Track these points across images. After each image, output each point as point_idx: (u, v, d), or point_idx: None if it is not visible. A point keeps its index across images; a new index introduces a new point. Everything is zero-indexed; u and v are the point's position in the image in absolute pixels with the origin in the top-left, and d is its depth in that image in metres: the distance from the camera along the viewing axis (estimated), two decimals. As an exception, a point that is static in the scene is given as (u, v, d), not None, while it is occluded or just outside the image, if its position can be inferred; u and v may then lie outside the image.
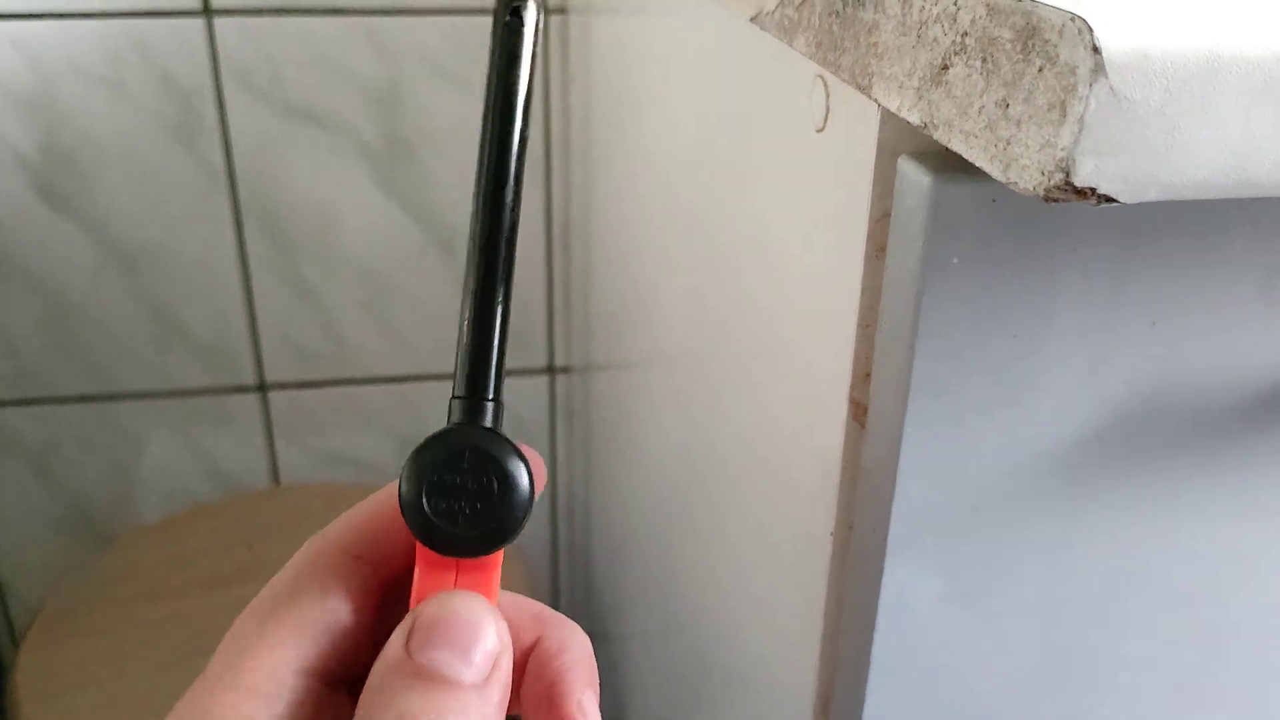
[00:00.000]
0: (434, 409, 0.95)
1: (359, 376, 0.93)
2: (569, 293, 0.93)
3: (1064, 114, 0.19)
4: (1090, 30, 0.19)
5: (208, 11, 0.79)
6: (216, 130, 0.83)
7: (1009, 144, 0.21)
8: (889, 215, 0.29)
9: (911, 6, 0.25)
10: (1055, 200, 0.20)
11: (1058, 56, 0.20)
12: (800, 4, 0.33)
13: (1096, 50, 0.19)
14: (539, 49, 0.26)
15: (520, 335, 0.94)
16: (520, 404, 0.97)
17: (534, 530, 1.04)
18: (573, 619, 0.27)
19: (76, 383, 0.89)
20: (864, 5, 0.28)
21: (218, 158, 0.84)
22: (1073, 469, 0.29)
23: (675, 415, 0.58)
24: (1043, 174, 0.20)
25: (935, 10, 0.24)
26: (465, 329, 0.25)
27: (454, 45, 0.83)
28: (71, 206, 0.83)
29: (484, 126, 0.25)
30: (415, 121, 0.85)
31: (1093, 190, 0.20)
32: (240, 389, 0.92)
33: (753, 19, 0.37)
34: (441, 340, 0.93)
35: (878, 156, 0.29)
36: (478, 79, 0.85)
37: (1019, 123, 0.21)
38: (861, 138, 0.29)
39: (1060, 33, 0.19)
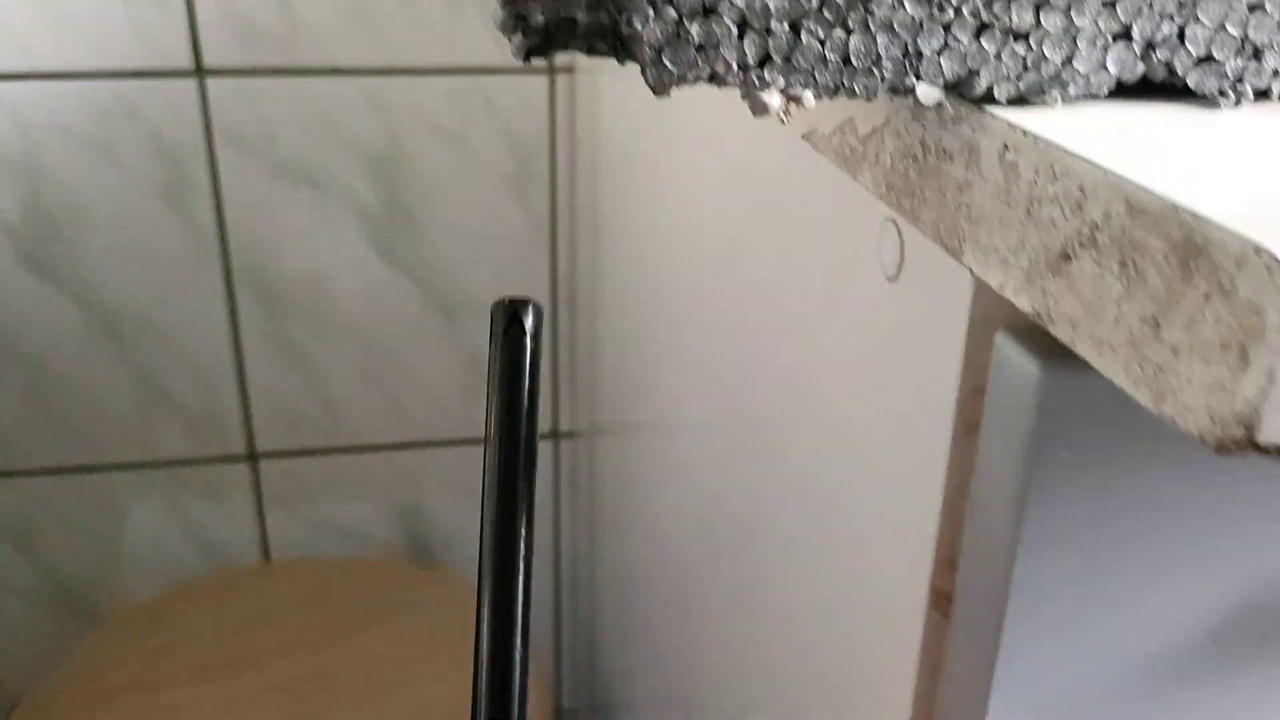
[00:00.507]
0: (429, 477, 0.92)
1: (352, 444, 0.90)
2: (575, 358, 0.90)
3: (1245, 360, 0.17)
4: (1285, 271, 0.16)
5: (200, 72, 0.76)
6: (208, 192, 0.79)
7: (1161, 370, 0.18)
8: (983, 391, 0.26)
9: (1018, 176, 0.22)
10: (1228, 453, 0.17)
11: (1235, 290, 0.17)
12: (866, 136, 0.30)
13: (1294, 296, 0.16)
14: (540, 356, 0.24)
15: (521, 400, 0.91)
16: (521, 470, 0.94)
17: (535, 596, 1.00)
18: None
19: (59, 453, 0.85)
20: (951, 158, 0.25)
21: (209, 220, 0.80)
22: (1187, 673, 0.26)
23: (696, 489, 0.55)
24: (1214, 421, 0.17)
25: (1051, 190, 0.21)
26: (482, 664, 0.23)
27: (453, 106, 0.80)
28: (55, 272, 0.79)
29: (488, 444, 0.23)
30: (413, 183, 0.82)
31: (1278, 448, 0.17)
32: (230, 458, 0.88)
33: (804, 136, 0.34)
34: (438, 406, 0.90)
35: (970, 328, 0.26)
36: (477, 139, 0.82)
37: (1176, 350, 0.18)
38: (949, 301, 0.27)
39: (1239, 263, 0.17)
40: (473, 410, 0.91)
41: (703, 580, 0.56)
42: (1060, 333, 0.21)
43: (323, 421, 0.88)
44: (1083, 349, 0.21)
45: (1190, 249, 0.18)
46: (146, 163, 0.78)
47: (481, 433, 0.91)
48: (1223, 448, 0.17)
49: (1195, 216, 0.18)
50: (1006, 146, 0.23)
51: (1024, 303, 0.22)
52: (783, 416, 0.40)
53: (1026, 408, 0.24)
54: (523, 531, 0.23)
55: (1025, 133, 0.22)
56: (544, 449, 0.94)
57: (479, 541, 0.23)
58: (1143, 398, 0.19)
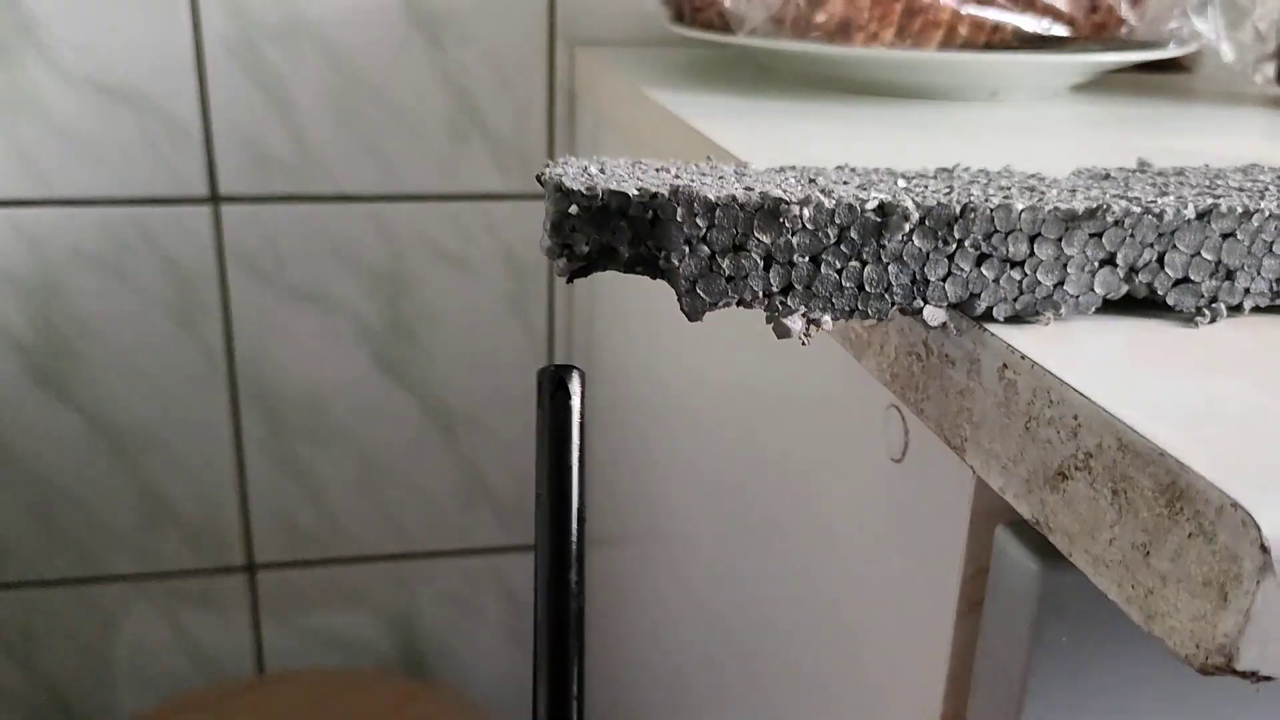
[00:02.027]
0: (424, 588, 0.93)
1: (349, 555, 0.91)
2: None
3: (1225, 599, 0.19)
4: (1257, 527, 0.18)
5: (215, 199, 0.78)
6: (218, 313, 0.82)
7: (1150, 594, 0.21)
8: (984, 572, 0.28)
9: (1016, 394, 0.25)
10: (1211, 674, 0.19)
11: (1215, 535, 0.19)
12: (870, 325, 0.32)
13: (1265, 549, 0.18)
14: (586, 420, 0.25)
15: (520, 511, 0.93)
16: (519, 580, 0.95)
17: (527, 708, 1.01)
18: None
19: (59, 565, 0.86)
20: (953, 364, 0.28)
21: (217, 339, 0.82)
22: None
23: (706, 654, 0.57)
24: (1198, 647, 0.19)
25: (1047, 413, 0.24)
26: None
27: (457, 230, 0.83)
28: (64, 389, 0.81)
29: (539, 511, 0.24)
30: (416, 302, 0.85)
31: (1254, 673, 0.19)
32: (228, 569, 0.89)
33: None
34: (434, 519, 0.91)
35: (972, 519, 0.28)
36: (478, 261, 0.85)
37: (1164, 578, 0.20)
38: (952, 490, 0.29)
39: (1218, 513, 0.19)
40: (469, 522, 0.92)
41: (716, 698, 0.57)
42: (1058, 542, 0.23)
43: (321, 533, 0.90)
44: (1079, 561, 0.23)
45: (1175, 492, 0.20)
46: (158, 284, 0.80)
47: (477, 544, 0.93)
48: (1205, 670, 0.19)
49: (1180, 464, 0.20)
50: (1005, 365, 0.25)
51: (1024, 509, 0.25)
52: (788, 588, 0.42)
53: (1027, 598, 0.26)
54: (574, 590, 0.24)
55: (1024, 356, 0.25)
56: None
57: (534, 599, 0.24)
58: (1135, 616, 0.21)
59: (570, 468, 0.25)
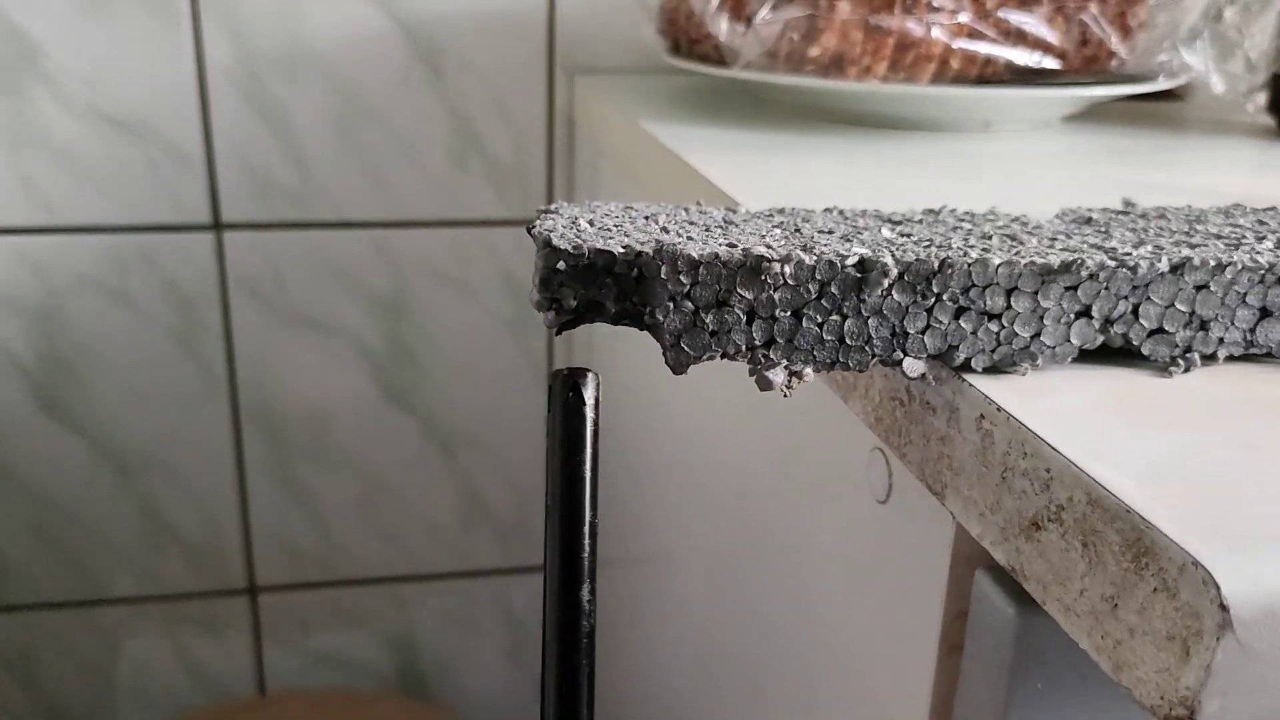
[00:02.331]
0: (424, 609, 0.94)
1: (350, 577, 0.92)
2: (567, 493, 0.93)
3: (1187, 653, 0.19)
4: (1217, 586, 0.19)
5: (218, 226, 0.79)
6: (220, 337, 0.82)
7: (1119, 645, 0.21)
8: (964, 616, 0.29)
9: (993, 444, 0.25)
10: (1175, 727, 0.20)
11: (1178, 592, 0.20)
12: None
13: (1224, 608, 0.19)
14: (599, 425, 0.24)
15: (519, 533, 0.94)
16: (518, 601, 0.96)
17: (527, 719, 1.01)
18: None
19: (62, 587, 0.87)
20: (934, 411, 0.28)
21: (219, 363, 0.83)
22: None
23: (698, 688, 0.57)
24: (1163, 699, 0.20)
25: (1022, 464, 0.24)
26: None
27: (457, 255, 0.84)
28: (68, 413, 0.82)
29: (549, 522, 0.23)
30: (417, 326, 0.86)
31: (1217, 727, 0.20)
32: (229, 592, 0.90)
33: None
34: (434, 541, 0.92)
35: (953, 562, 0.28)
36: (478, 284, 0.85)
37: (1131, 630, 0.21)
38: (934, 533, 0.29)
39: (1181, 571, 0.20)
40: (468, 544, 0.93)
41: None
42: (1032, 590, 0.24)
43: (322, 555, 0.90)
44: (1051, 609, 0.23)
45: (1141, 547, 0.21)
46: (161, 309, 0.81)
47: (477, 565, 0.93)
48: (1170, 723, 0.20)
49: (1145, 521, 0.21)
50: (983, 416, 0.26)
51: (1000, 556, 0.25)
52: (777, 614, 0.43)
53: (1004, 642, 0.26)
54: (586, 608, 0.23)
55: (1000, 408, 0.25)
56: (537, 580, 0.96)
57: (542, 616, 0.23)
58: (1104, 665, 0.22)
59: (583, 478, 0.24)
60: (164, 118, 0.76)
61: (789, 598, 0.41)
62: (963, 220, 0.33)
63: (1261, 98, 0.67)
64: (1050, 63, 0.60)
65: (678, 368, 0.25)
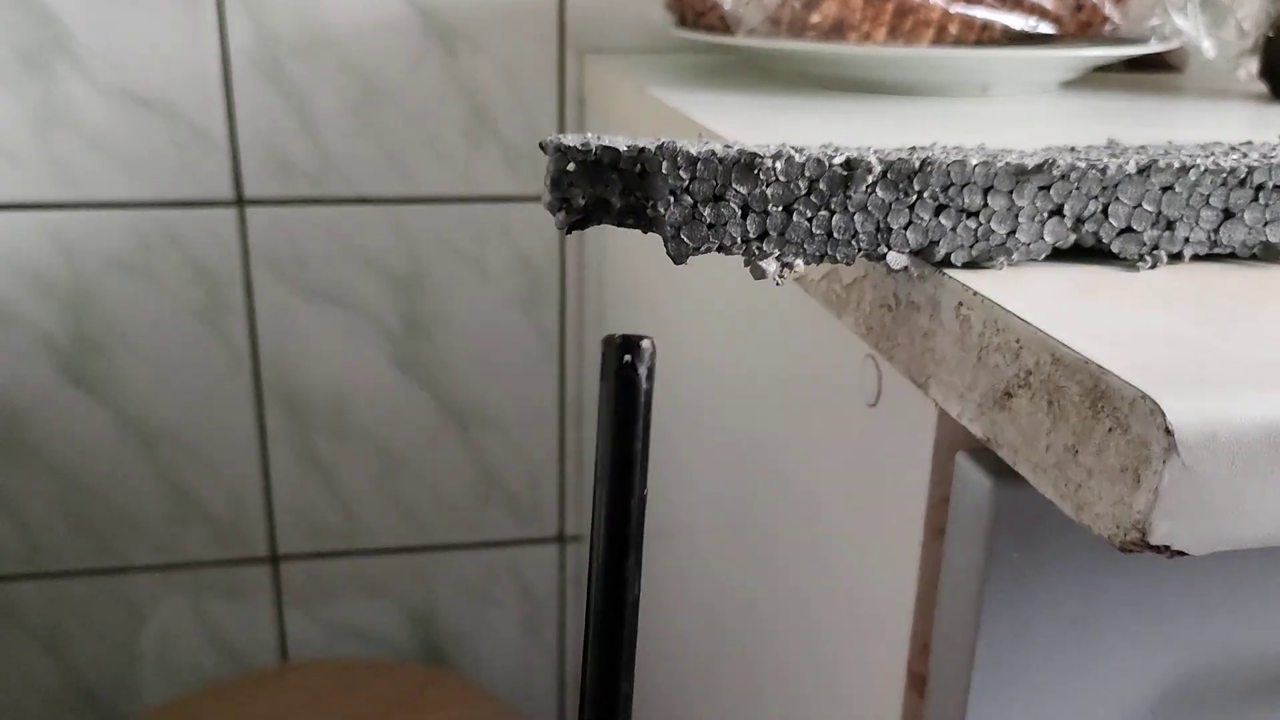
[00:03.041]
0: (441, 580, 0.96)
1: (369, 547, 0.94)
2: (581, 465, 0.95)
3: (1138, 481, 0.21)
4: (1163, 413, 0.21)
5: (240, 202, 0.82)
6: (242, 313, 0.85)
7: (1079, 488, 0.23)
8: (947, 500, 0.31)
9: (970, 328, 0.28)
10: (1130, 552, 0.22)
11: (1129, 426, 0.22)
12: (849, 284, 0.35)
13: (1169, 432, 0.21)
14: (652, 396, 0.23)
15: (532, 505, 0.96)
16: (531, 572, 0.98)
17: (541, 696, 1.03)
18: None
19: (87, 557, 0.89)
20: (918, 309, 0.30)
21: (242, 339, 0.86)
22: (1128, 746, 0.31)
23: (697, 588, 0.59)
24: (1118, 528, 0.22)
25: (995, 340, 0.26)
26: (589, 703, 0.23)
27: (473, 231, 0.87)
28: (95, 388, 0.85)
29: (598, 491, 0.23)
30: (432, 302, 0.88)
31: (1167, 547, 0.22)
32: (252, 560, 0.92)
33: (796, 280, 0.40)
34: (451, 512, 0.94)
35: (935, 449, 0.31)
36: (493, 262, 0.88)
37: (1090, 471, 0.23)
38: (917, 426, 0.31)
39: (1131, 406, 0.22)
40: (483, 515, 0.95)
41: (705, 672, 0.59)
42: (1005, 456, 0.26)
43: (342, 526, 0.93)
44: (1022, 469, 0.25)
45: (1097, 393, 0.23)
46: (185, 286, 0.83)
47: (492, 537, 0.95)
48: (1125, 548, 0.22)
49: (1100, 368, 0.23)
50: (961, 303, 0.28)
51: (977, 430, 0.27)
52: (776, 521, 0.45)
53: (982, 516, 0.28)
54: (631, 578, 0.23)
55: (975, 293, 0.27)
56: (550, 552, 0.98)
57: (587, 588, 0.23)
58: (1067, 509, 0.24)
59: (635, 451, 0.22)
60: (188, 98, 0.79)
61: (784, 503, 0.43)
62: (950, 152, 0.35)
63: (1253, 64, 0.69)
64: (1046, 27, 0.62)
65: (678, 258, 0.27)
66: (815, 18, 0.61)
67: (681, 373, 0.63)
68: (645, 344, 0.23)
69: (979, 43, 0.62)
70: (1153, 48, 0.64)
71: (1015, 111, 0.60)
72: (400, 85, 0.82)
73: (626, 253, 0.77)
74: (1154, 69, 0.77)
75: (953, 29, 0.61)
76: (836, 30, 0.61)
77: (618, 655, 0.23)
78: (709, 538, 0.58)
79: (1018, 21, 0.62)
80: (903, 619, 0.32)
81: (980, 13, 0.61)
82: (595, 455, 0.23)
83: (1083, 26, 0.63)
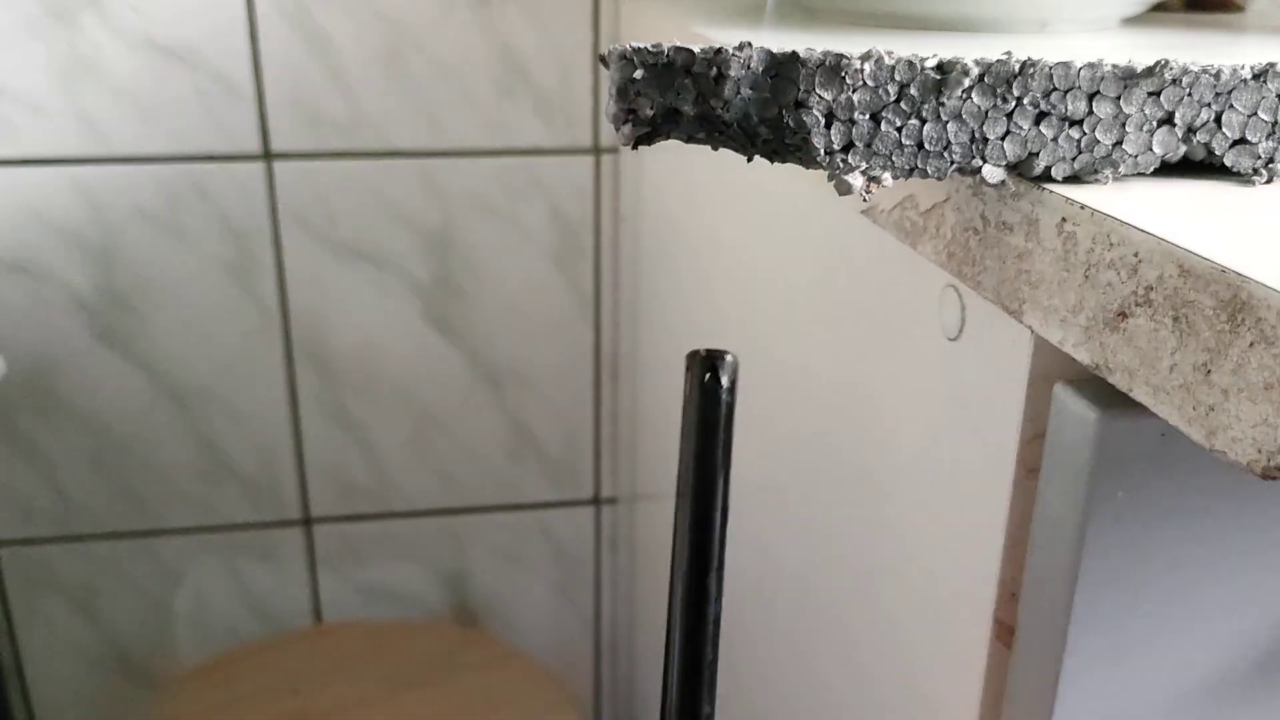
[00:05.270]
0: (474, 542, 0.95)
1: (402, 509, 0.93)
2: (616, 425, 0.93)
3: (1288, 398, 0.19)
4: (1321, 321, 0.19)
5: (268, 156, 0.80)
6: (272, 270, 0.83)
7: (1212, 410, 0.21)
8: (1042, 437, 0.29)
9: (1076, 245, 0.25)
10: (1272, 479, 0.20)
11: (1277, 338, 0.19)
12: (927, 210, 0.33)
13: (1329, 342, 0.19)
14: (734, 409, 0.23)
15: (567, 467, 0.94)
16: (566, 534, 0.96)
17: (576, 660, 1.02)
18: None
19: (121, 519, 0.88)
20: (1011, 229, 0.28)
21: (272, 296, 0.84)
22: (1238, 696, 0.28)
23: (746, 542, 0.58)
24: (1260, 452, 0.20)
25: (1108, 255, 0.24)
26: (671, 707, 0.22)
27: (504, 185, 0.84)
28: (126, 346, 0.83)
29: (680, 504, 0.22)
30: (464, 258, 0.86)
31: (1318, 473, 0.19)
32: (285, 523, 0.91)
33: (863, 211, 0.37)
34: (483, 473, 0.93)
35: (1030, 380, 0.28)
36: (526, 216, 0.85)
37: (1226, 392, 0.21)
38: (1009, 357, 0.29)
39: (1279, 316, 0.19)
40: (517, 476, 0.93)
41: (753, 630, 0.58)
42: (1118, 381, 0.24)
43: (374, 487, 0.91)
44: (1139, 394, 0.23)
45: (1236, 304, 0.20)
46: (214, 241, 0.82)
47: (525, 499, 0.94)
48: (1269, 475, 0.20)
49: (1240, 276, 0.20)
50: (1065, 219, 0.26)
51: (1084, 356, 0.25)
52: (847, 465, 0.43)
53: (1085, 451, 0.26)
54: (714, 595, 0.22)
55: (1083, 206, 0.25)
56: (586, 514, 0.96)
57: (668, 595, 0.22)
58: (1195, 435, 0.21)
59: (717, 463, 0.22)
60: (214, 48, 0.77)
61: (859, 447, 0.41)
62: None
63: (1322, -1, 0.66)
64: (1107, -41, 0.59)
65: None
66: (866, -49, 0.58)
67: (729, 328, 0.61)
68: (729, 359, 0.23)
69: (1038, -24, 0.59)
70: (1220, -20, 0.61)
71: (1075, 47, 0.58)
72: (430, 35, 0.79)
73: (663, 202, 0.75)
74: (1214, 9, 0.74)
75: (1010, -39, 0.58)
76: (889, -37, 0.58)
77: (699, 676, 0.23)
78: (783, 486, 0.56)
79: (1079, -47, 0.59)
80: (989, 565, 0.30)
81: (1040, -57, 0.58)
82: (678, 469, 0.23)
83: (1146, -42, 0.61)
